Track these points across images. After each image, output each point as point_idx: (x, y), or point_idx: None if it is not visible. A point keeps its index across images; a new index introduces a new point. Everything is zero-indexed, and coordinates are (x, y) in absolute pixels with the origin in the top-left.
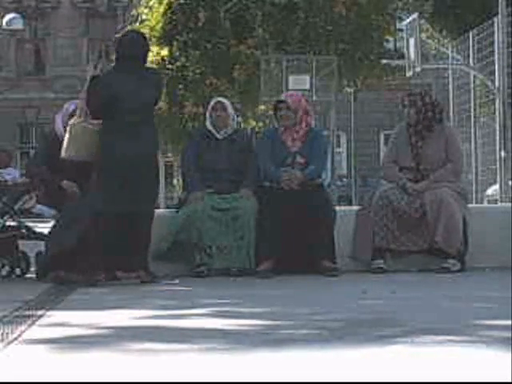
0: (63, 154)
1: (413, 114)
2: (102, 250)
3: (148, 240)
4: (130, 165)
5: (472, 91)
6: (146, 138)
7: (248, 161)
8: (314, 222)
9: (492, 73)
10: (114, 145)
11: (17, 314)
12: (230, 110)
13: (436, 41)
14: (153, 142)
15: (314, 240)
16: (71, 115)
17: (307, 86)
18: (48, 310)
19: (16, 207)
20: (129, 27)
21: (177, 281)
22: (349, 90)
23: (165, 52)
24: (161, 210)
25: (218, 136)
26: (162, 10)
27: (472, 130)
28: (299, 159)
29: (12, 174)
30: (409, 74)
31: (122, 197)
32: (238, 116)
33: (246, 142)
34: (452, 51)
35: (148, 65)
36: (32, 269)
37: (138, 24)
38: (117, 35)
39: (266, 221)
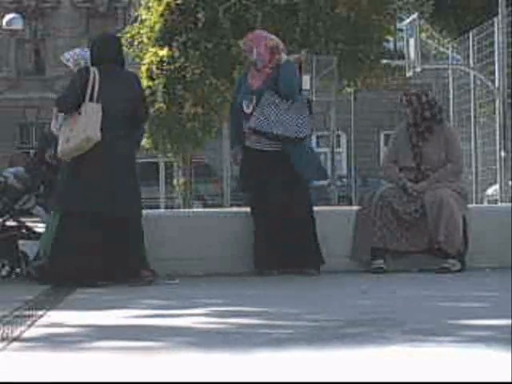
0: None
1: (409, 114)
2: (75, 251)
3: (137, 241)
4: (101, 164)
5: (472, 91)
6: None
7: None
8: (290, 222)
9: (492, 73)
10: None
11: (17, 313)
12: (72, 62)
13: (436, 41)
14: (128, 144)
15: (292, 240)
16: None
17: (307, 86)
18: (48, 310)
19: (16, 207)
20: (129, 27)
21: (177, 281)
22: (349, 89)
23: (163, 52)
24: (161, 211)
25: None
26: (160, 10)
27: (472, 130)
28: (255, 100)
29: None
30: (409, 74)
31: (91, 197)
32: None
33: None
34: (452, 51)
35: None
36: None
37: (137, 24)
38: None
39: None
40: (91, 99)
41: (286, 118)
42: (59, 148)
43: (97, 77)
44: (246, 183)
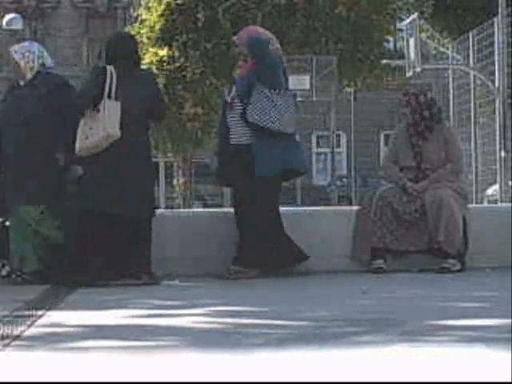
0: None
1: (408, 114)
2: (87, 250)
3: (144, 242)
4: (116, 163)
5: (472, 91)
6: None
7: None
8: (248, 220)
9: (492, 73)
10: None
11: (17, 313)
12: (19, 55)
13: (436, 41)
14: (144, 140)
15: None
16: None
17: (307, 86)
18: (48, 310)
19: None
20: (129, 27)
21: (177, 281)
22: (349, 90)
23: (163, 52)
24: (161, 211)
25: (21, 83)
26: (160, 10)
27: (472, 130)
28: (234, 88)
29: None
30: (409, 74)
31: (106, 196)
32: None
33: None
34: (452, 51)
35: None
36: None
37: (137, 24)
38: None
39: None
40: (109, 97)
41: (277, 111)
42: (77, 145)
43: (114, 75)
44: (219, 178)
